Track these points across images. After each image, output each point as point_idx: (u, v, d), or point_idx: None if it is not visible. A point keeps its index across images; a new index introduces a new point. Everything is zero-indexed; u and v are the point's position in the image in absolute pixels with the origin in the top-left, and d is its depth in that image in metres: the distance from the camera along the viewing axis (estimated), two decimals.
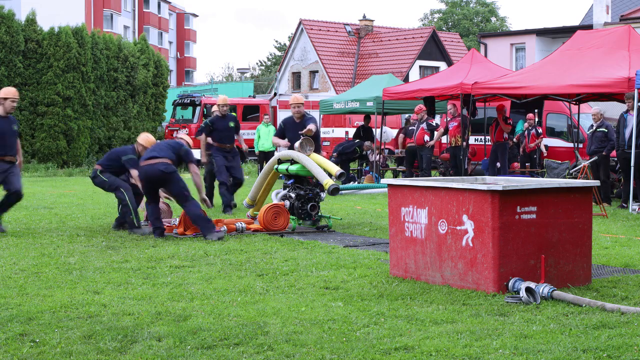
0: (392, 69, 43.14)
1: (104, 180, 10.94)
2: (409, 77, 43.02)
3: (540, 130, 20.21)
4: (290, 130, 12.17)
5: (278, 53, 71.42)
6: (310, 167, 11.15)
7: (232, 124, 14.11)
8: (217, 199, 14.23)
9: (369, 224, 11.94)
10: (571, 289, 6.81)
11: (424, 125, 19.24)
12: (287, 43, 59.44)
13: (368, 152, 21.33)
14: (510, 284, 6.56)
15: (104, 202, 15.46)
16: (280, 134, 12.55)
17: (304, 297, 6.60)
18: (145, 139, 11.23)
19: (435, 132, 19.44)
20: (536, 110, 20.13)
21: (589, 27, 30.32)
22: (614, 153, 15.71)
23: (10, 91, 10.82)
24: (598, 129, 15.76)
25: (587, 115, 19.89)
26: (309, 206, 11.33)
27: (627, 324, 5.56)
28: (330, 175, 11.20)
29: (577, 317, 5.79)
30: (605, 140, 15.61)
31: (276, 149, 13.61)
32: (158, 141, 11.28)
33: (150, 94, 33.22)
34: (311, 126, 11.64)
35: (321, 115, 26.66)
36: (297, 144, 11.26)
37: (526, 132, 19.83)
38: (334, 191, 10.80)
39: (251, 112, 30.63)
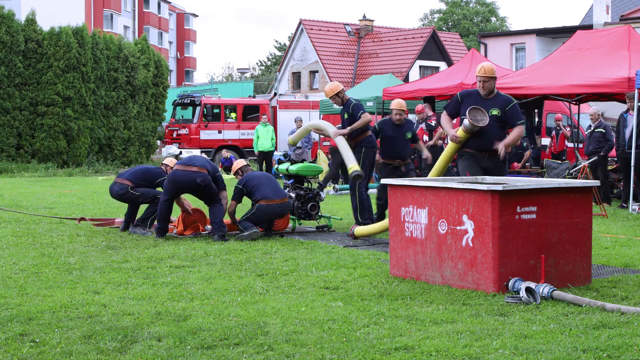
0: (392, 69, 43.12)
1: (136, 195, 10.80)
2: (409, 77, 43.00)
3: (568, 130, 20.23)
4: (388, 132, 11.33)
5: (278, 53, 71.43)
6: (341, 148, 10.79)
7: (409, 135, 11.44)
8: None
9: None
10: (571, 289, 6.81)
11: (423, 125, 19.24)
12: (287, 43, 59.45)
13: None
14: (510, 284, 6.56)
15: (104, 202, 15.46)
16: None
17: (304, 297, 6.60)
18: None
19: (434, 133, 19.43)
20: (536, 110, 20.14)
21: (589, 27, 30.32)
22: (613, 153, 15.72)
23: None
24: (596, 130, 15.78)
25: (587, 115, 19.90)
26: (309, 206, 11.34)
27: (627, 324, 5.56)
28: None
29: (577, 317, 5.79)
30: (604, 140, 15.62)
31: (276, 149, 12.70)
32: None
33: (150, 94, 33.23)
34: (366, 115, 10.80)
35: (321, 116, 26.69)
36: (466, 118, 8.63)
37: (554, 132, 19.75)
38: (356, 177, 10.46)
39: (251, 112, 30.64)
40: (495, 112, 8.69)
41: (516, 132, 8.77)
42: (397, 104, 11.43)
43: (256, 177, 10.70)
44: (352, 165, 10.47)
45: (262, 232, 10.40)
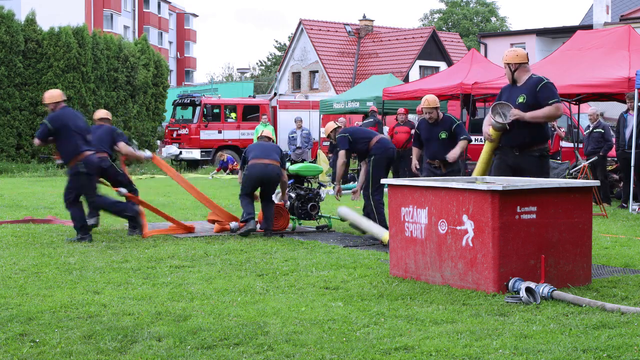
0: (392, 69, 43.13)
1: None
2: (409, 77, 43.01)
3: (563, 131, 20.19)
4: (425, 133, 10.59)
5: (278, 53, 71.43)
6: (362, 225, 10.14)
7: (443, 135, 10.44)
8: None
9: None
10: (571, 289, 6.81)
11: None
12: (287, 43, 59.45)
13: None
14: (510, 284, 6.55)
15: None
16: (417, 139, 10.78)
17: (304, 297, 6.60)
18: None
19: None
20: None
21: (589, 27, 30.34)
22: (613, 153, 15.71)
23: None
24: (595, 130, 15.76)
25: (587, 116, 19.91)
26: (309, 206, 11.34)
27: (627, 324, 5.56)
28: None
29: (577, 317, 5.79)
30: (602, 140, 15.61)
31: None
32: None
33: (150, 94, 33.23)
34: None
35: (321, 115, 26.70)
36: (488, 115, 8.15)
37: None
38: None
39: (251, 112, 30.64)
40: (520, 99, 7.91)
41: (545, 109, 7.77)
42: (424, 101, 10.46)
43: (256, 144, 11.10)
44: (385, 235, 9.39)
45: (258, 224, 10.60)
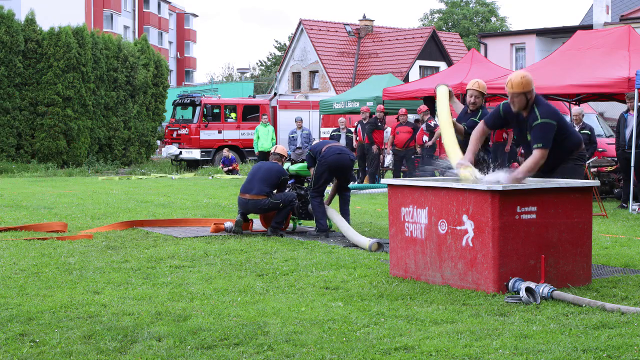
0: (392, 69, 43.12)
1: None
2: (409, 77, 43.00)
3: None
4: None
5: (278, 53, 71.43)
6: (346, 232, 10.14)
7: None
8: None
9: (369, 224, 11.94)
10: (571, 289, 6.81)
11: (423, 126, 19.24)
12: (287, 43, 59.45)
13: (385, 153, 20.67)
14: (510, 284, 6.55)
15: (104, 202, 15.47)
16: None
17: (304, 297, 6.60)
18: None
19: (435, 132, 19.42)
20: None
21: (589, 27, 30.36)
22: (613, 153, 15.70)
23: None
24: (581, 131, 15.67)
25: (588, 115, 19.86)
26: (309, 206, 11.32)
27: (627, 324, 5.56)
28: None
29: (577, 317, 5.79)
30: (588, 143, 15.54)
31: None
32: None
33: (150, 94, 33.24)
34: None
35: (321, 115, 26.71)
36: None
37: None
38: (379, 247, 9.29)
39: (251, 112, 30.65)
40: (529, 136, 7.37)
41: (531, 160, 7.25)
42: (471, 83, 8.95)
43: (257, 166, 11.11)
44: (364, 242, 9.45)
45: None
